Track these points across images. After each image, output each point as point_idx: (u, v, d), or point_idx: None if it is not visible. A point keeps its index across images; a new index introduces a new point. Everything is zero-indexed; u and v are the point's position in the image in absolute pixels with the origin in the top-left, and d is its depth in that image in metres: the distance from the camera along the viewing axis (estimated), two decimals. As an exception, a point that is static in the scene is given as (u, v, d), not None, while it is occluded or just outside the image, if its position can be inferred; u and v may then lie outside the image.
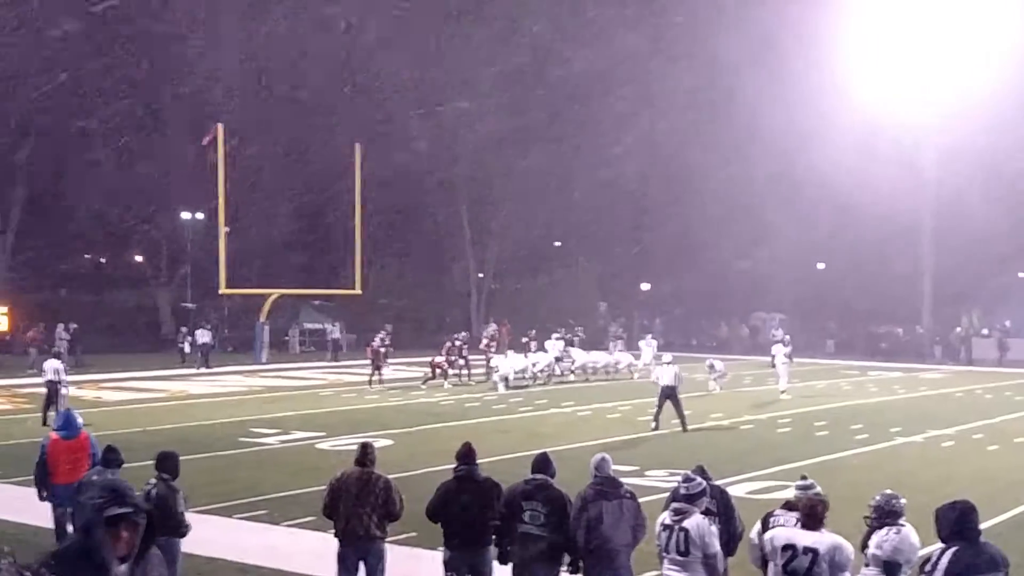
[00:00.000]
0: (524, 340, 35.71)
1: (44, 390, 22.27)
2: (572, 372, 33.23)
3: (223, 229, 37.34)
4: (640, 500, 8.42)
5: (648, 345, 36.76)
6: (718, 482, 8.69)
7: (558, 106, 51.03)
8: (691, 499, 7.52)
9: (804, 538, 6.88)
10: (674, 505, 7.52)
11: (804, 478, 7.98)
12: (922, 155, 47.76)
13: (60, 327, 37.05)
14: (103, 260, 55.42)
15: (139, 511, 4.24)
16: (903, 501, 7.30)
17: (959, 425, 22.30)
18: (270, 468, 16.80)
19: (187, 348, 38.75)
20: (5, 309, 41.05)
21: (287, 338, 46.63)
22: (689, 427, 21.05)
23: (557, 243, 58.74)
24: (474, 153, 50.82)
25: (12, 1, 39.30)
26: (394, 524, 8.99)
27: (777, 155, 48.41)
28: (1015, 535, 12.05)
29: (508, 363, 30.65)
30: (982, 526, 6.61)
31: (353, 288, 41.68)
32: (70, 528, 10.58)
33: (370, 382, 30.12)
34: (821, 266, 54.71)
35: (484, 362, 33.12)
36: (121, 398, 27.36)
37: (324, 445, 19.02)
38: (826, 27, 44.77)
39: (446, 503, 8.49)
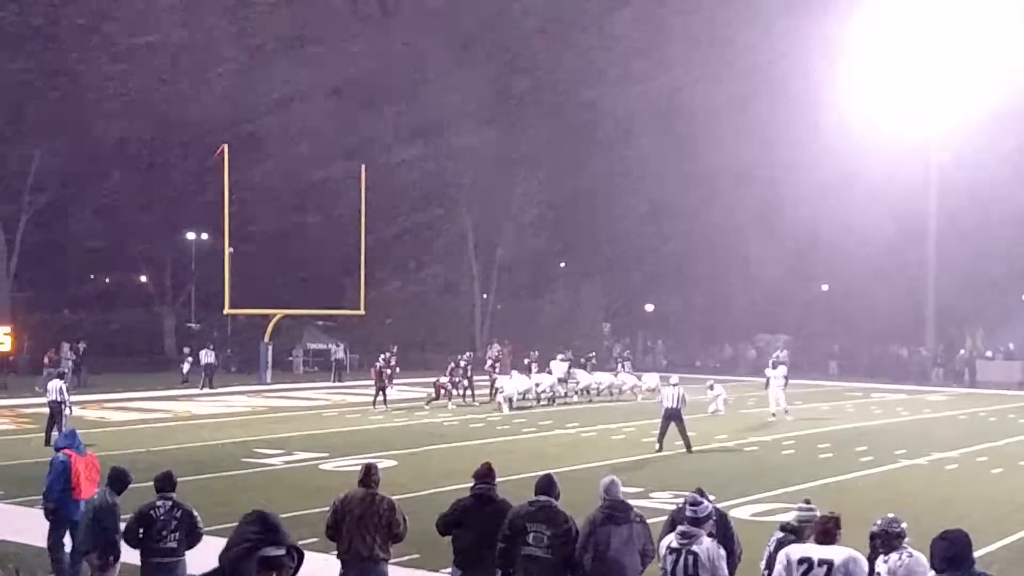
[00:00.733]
0: (526, 361, 35.69)
1: (47, 410, 22.24)
2: (576, 393, 33.19)
3: (228, 249, 37.45)
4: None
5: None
6: (721, 504, 8.68)
7: (562, 129, 51.15)
8: (699, 522, 7.47)
9: (819, 551, 6.89)
10: (681, 528, 7.49)
11: (807, 502, 7.96)
12: (925, 175, 47.82)
13: (65, 347, 37.09)
14: (108, 280, 55.51)
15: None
16: (904, 525, 7.29)
17: (963, 448, 22.26)
18: (274, 489, 16.77)
19: (186, 368, 38.74)
20: (8, 329, 41.07)
21: (291, 358, 46.63)
22: (694, 449, 21.03)
23: (562, 264, 58.79)
24: (479, 174, 50.96)
25: (14, 20, 39.54)
26: (397, 545, 8.98)
27: (780, 176, 48.49)
28: (1020, 558, 12.02)
29: (512, 384, 30.63)
30: (986, 550, 6.62)
31: (357, 309, 41.72)
32: (67, 542, 10.65)
33: (374, 403, 30.10)
34: (825, 287, 54.70)
35: (488, 383, 33.09)
36: (125, 418, 27.35)
37: (328, 466, 19.00)
38: (827, 46, 44.97)
39: (461, 521, 8.46)
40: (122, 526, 9.28)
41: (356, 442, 22.40)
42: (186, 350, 40.30)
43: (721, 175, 50.12)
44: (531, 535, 8.10)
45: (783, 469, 19.23)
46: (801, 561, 6.89)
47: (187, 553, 8.93)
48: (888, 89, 45.01)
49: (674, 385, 21.58)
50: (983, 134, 43.71)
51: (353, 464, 17.96)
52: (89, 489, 10.84)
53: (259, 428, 25.16)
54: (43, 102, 41.14)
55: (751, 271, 51.79)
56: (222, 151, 36.47)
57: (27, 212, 44.26)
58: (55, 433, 21.51)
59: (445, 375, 31.68)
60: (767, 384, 28.96)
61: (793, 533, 7.57)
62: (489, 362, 34.90)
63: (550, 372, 33.41)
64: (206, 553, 9.48)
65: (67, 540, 10.84)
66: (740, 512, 13.87)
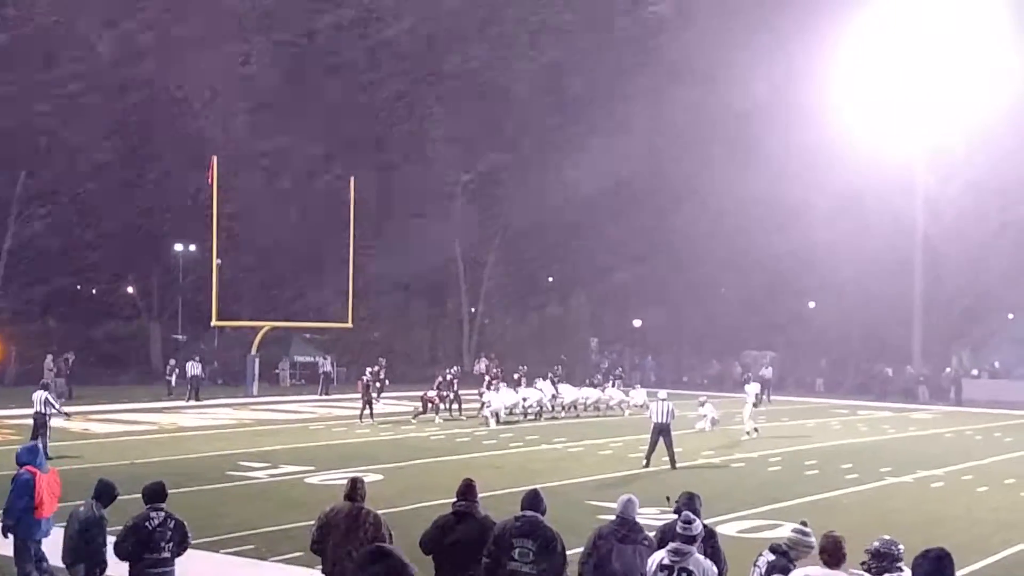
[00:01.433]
0: (516, 376, 35.67)
1: (31, 422, 22.11)
2: (563, 408, 33.14)
3: (216, 261, 37.37)
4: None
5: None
6: (707, 521, 8.65)
7: (549, 143, 51.26)
8: (691, 540, 7.43)
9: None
10: (673, 545, 7.44)
11: (804, 524, 7.87)
12: (912, 195, 48.07)
13: (49, 358, 36.93)
14: (94, 291, 55.27)
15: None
16: (902, 547, 7.22)
17: (949, 466, 22.30)
18: (259, 502, 16.71)
19: (173, 381, 38.61)
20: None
21: (278, 371, 46.49)
22: (680, 464, 21.03)
23: (550, 278, 58.83)
24: (468, 187, 51.06)
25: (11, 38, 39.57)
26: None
27: (767, 194, 48.63)
28: (1005, 577, 12.04)
29: (499, 398, 30.59)
30: (971, 568, 6.61)
31: (345, 321, 41.66)
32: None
33: (361, 416, 30.02)
34: (812, 304, 54.85)
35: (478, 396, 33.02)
36: (110, 430, 27.21)
37: (314, 479, 18.92)
38: (816, 64, 45.24)
39: (442, 538, 8.42)
40: (110, 539, 9.23)
41: (342, 455, 22.32)
42: (172, 362, 40.15)
43: (709, 192, 50.26)
44: (517, 551, 8.06)
45: (769, 486, 19.25)
46: None
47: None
48: (874, 109, 45.25)
49: (663, 400, 21.61)
50: (969, 154, 43.98)
51: (339, 478, 17.90)
52: (51, 506, 10.75)
53: (245, 441, 25.06)
54: (29, 114, 41.05)
55: (739, 287, 51.91)
56: (212, 163, 36.41)
57: (14, 223, 44.12)
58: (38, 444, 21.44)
59: (432, 389, 31.64)
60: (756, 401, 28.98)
61: (784, 556, 7.51)
62: (487, 379, 34.56)
63: (537, 387, 33.36)
64: (186, 565, 9.46)
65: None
66: (726, 529, 13.87)
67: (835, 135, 44.89)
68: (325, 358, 43.64)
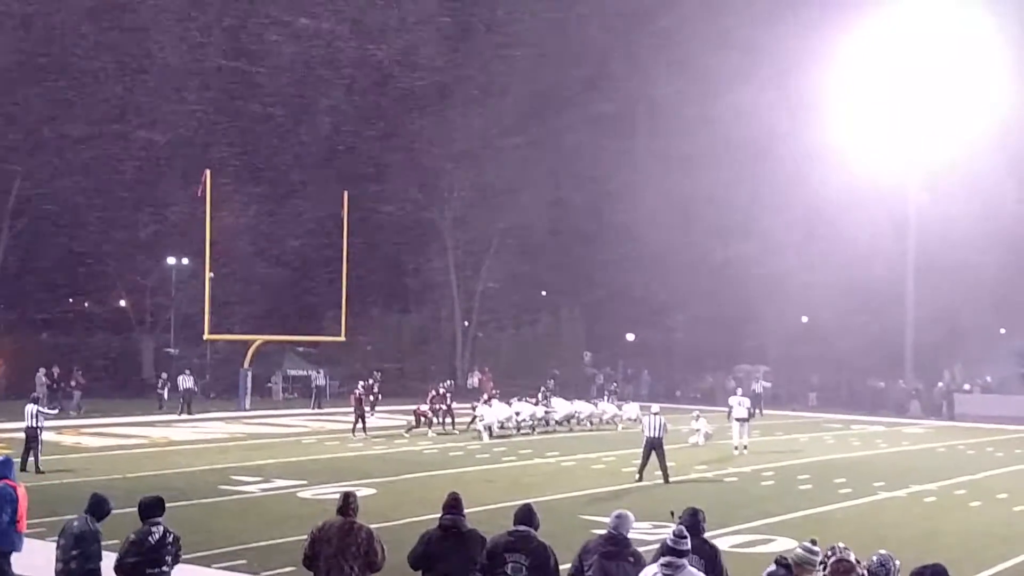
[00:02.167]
0: (542, 389, 35.78)
1: (23, 435, 22.02)
2: (557, 423, 33.08)
3: (208, 274, 37.33)
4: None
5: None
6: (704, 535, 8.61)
7: (546, 157, 51.36)
8: (682, 555, 7.41)
9: None
10: (665, 559, 7.41)
11: (813, 543, 7.81)
12: (904, 210, 48.24)
13: (41, 371, 36.84)
14: (87, 304, 55.15)
15: None
16: (898, 562, 7.19)
17: (942, 480, 22.31)
18: (251, 516, 16.66)
19: (166, 394, 38.50)
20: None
21: (270, 385, 46.36)
22: (673, 479, 21.02)
23: (543, 292, 58.83)
24: (461, 201, 51.10)
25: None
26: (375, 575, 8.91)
27: (761, 209, 48.80)
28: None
29: (492, 412, 30.55)
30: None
31: (338, 335, 41.59)
32: None
33: (353, 430, 29.96)
34: (805, 319, 54.92)
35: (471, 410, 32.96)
36: (102, 444, 27.11)
37: (306, 494, 18.87)
38: (810, 80, 45.45)
39: (429, 553, 8.40)
40: (103, 553, 9.19)
41: (335, 470, 22.26)
42: (164, 376, 40.05)
43: (702, 208, 50.39)
44: (509, 565, 8.05)
45: (763, 500, 19.24)
46: None
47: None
48: (867, 126, 45.45)
49: (655, 414, 21.61)
50: (961, 170, 44.16)
51: (331, 492, 17.85)
52: (23, 522, 10.77)
53: (237, 455, 24.99)
54: (22, 126, 41.07)
55: (731, 302, 51.93)
56: (205, 177, 36.40)
57: (6, 236, 44.05)
58: (31, 459, 21.37)
59: (426, 403, 31.59)
60: (728, 414, 28.39)
61: (786, 568, 7.45)
62: (485, 396, 34.41)
63: (530, 400, 33.32)
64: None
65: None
66: (719, 543, 13.81)
67: (829, 151, 45.07)
68: (318, 372, 43.54)
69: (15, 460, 12.04)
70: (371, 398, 32.71)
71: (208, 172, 36.42)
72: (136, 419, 34.06)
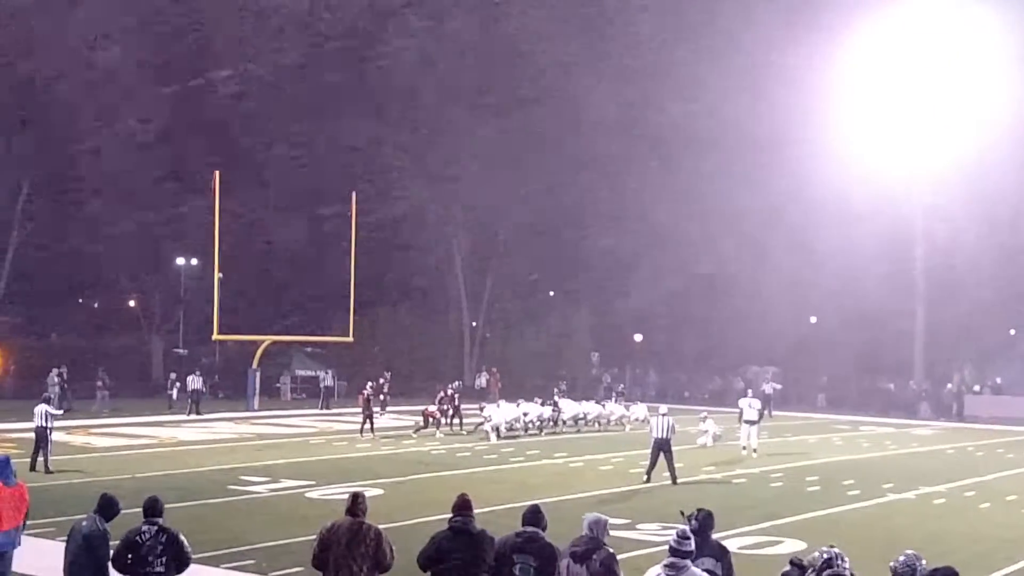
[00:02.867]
0: (556, 391, 35.84)
1: (33, 435, 22.08)
2: (564, 423, 33.07)
3: (217, 275, 37.40)
4: (631, 554, 8.33)
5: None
6: (713, 536, 8.59)
7: (555, 159, 51.34)
8: (685, 556, 7.41)
9: None
10: (668, 560, 7.41)
11: (832, 547, 7.79)
12: (913, 211, 48.13)
13: (53, 372, 36.97)
14: (96, 305, 55.35)
15: None
16: (924, 562, 7.11)
17: (951, 482, 22.23)
18: (259, 517, 16.68)
19: (175, 394, 38.57)
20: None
21: (279, 385, 46.45)
22: (681, 480, 20.99)
23: (551, 292, 58.82)
24: (470, 202, 51.11)
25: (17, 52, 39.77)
26: (384, 576, 8.92)
27: (770, 211, 48.73)
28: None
29: (500, 413, 30.54)
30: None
31: (346, 336, 41.64)
32: None
33: (361, 431, 29.99)
34: (814, 320, 54.83)
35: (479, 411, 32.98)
36: (110, 444, 27.18)
37: (314, 494, 18.89)
38: (816, 82, 45.35)
39: (439, 554, 8.40)
40: (111, 553, 9.21)
41: (343, 470, 22.29)
42: (173, 376, 40.16)
43: (712, 210, 50.34)
44: (518, 566, 8.05)
45: (771, 502, 19.20)
46: None
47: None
48: (877, 129, 45.36)
49: (663, 415, 21.57)
50: (969, 171, 44.04)
51: (340, 492, 17.88)
52: (12, 519, 10.75)
53: (245, 455, 25.02)
54: (32, 128, 41.21)
55: (741, 304, 51.88)
56: (214, 178, 36.48)
57: (16, 237, 44.20)
58: (40, 459, 21.44)
59: (434, 403, 31.62)
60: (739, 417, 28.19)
61: (800, 569, 7.43)
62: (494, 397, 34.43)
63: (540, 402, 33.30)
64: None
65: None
66: (728, 545, 13.81)
67: (836, 153, 44.97)
68: (326, 372, 43.60)
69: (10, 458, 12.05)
70: (381, 398, 32.77)
71: (217, 173, 36.51)
72: (145, 419, 34.14)
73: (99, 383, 37.98)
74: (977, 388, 47.80)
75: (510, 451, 26.67)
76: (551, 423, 32.47)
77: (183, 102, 44.15)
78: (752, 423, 26.79)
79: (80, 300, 54.62)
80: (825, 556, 7.18)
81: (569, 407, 34.04)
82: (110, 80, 42.38)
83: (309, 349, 49.61)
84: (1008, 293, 47.23)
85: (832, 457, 27.20)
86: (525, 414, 31.69)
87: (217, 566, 12.83)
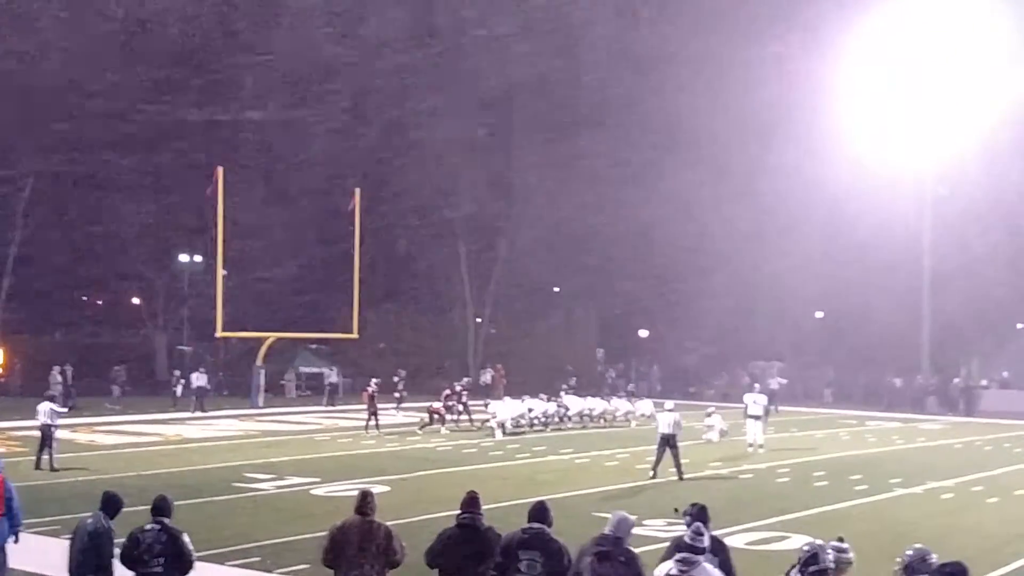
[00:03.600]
0: (564, 388, 35.91)
1: (38, 433, 22.07)
2: (569, 419, 33.00)
3: (221, 272, 37.38)
4: (637, 550, 8.24)
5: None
6: (715, 532, 8.55)
7: (558, 152, 51.23)
8: (698, 551, 7.34)
9: None
10: (681, 555, 7.32)
11: (841, 540, 7.73)
12: (920, 205, 47.97)
13: (55, 369, 36.99)
14: (100, 302, 55.38)
15: None
16: (935, 557, 7.04)
17: (958, 477, 22.16)
18: (264, 514, 16.65)
19: (179, 391, 38.62)
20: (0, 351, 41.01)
21: (283, 382, 46.45)
22: (688, 476, 20.93)
23: (556, 288, 58.75)
24: (474, 197, 51.04)
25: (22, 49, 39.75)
26: (393, 572, 8.87)
27: (776, 204, 48.58)
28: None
29: (505, 409, 30.51)
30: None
31: (351, 332, 41.60)
32: None
33: (366, 427, 29.98)
34: (820, 315, 54.73)
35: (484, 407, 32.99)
36: (115, 441, 27.18)
37: (319, 491, 18.86)
38: (823, 74, 45.21)
39: (447, 550, 8.38)
40: (117, 550, 9.20)
41: (348, 467, 22.27)
42: (177, 373, 40.17)
43: (717, 204, 50.20)
44: (524, 563, 8.01)
45: (778, 497, 19.14)
46: None
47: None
48: (884, 121, 45.17)
49: (669, 411, 21.51)
50: (977, 164, 43.89)
51: (345, 489, 17.86)
52: None
53: (250, 452, 25.01)
54: (35, 125, 41.20)
55: (747, 299, 51.79)
56: (217, 174, 36.43)
57: (19, 234, 44.22)
58: (44, 456, 21.42)
59: (439, 400, 31.60)
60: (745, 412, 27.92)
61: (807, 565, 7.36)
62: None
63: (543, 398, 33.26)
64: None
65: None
66: (734, 540, 13.75)
67: (843, 146, 44.84)
68: (331, 369, 43.58)
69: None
70: (396, 395, 32.90)
71: (220, 169, 36.46)
72: (150, 416, 34.15)
73: (114, 380, 38.83)
74: (984, 382, 47.68)
75: (516, 447, 26.63)
76: (556, 419, 32.43)
77: (188, 96, 44.18)
78: (758, 419, 26.72)
79: (84, 298, 54.65)
80: (808, 552, 7.15)
81: (574, 403, 34.00)
82: (115, 75, 42.39)
83: (314, 346, 49.59)
84: (1015, 287, 47.06)
85: (839, 452, 27.13)
86: (530, 410, 31.65)
87: (223, 563, 12.80)
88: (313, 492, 18.78)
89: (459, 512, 8.55)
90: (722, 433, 28.79)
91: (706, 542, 7.38)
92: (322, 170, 47.28)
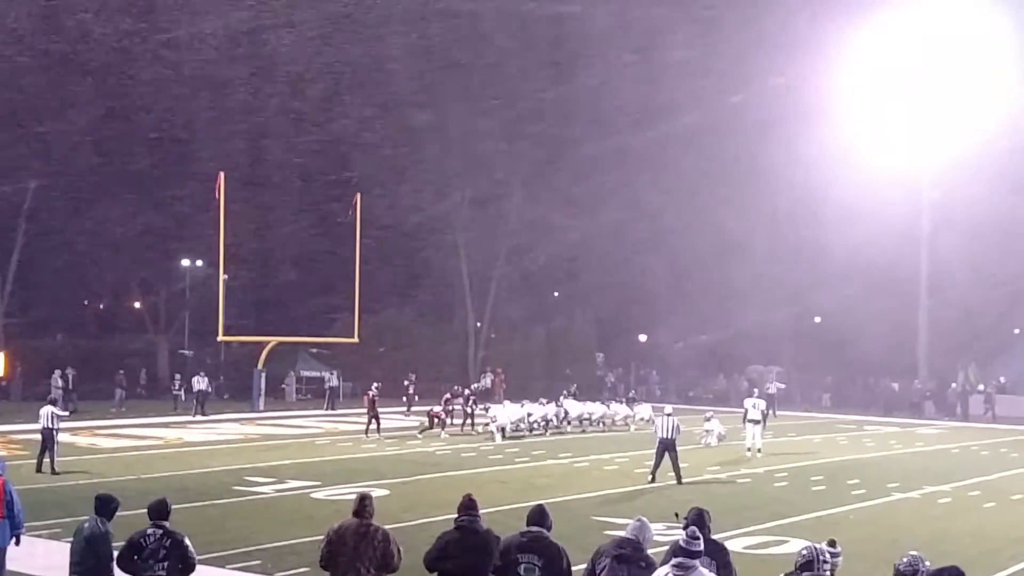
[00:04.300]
0: (565, 392, 36.00)
1: (40, 437, 22.13)
2: (568, 423, 33.07)
3: (223, 276, 37.45)
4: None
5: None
6: (715, 536, 8.63)
7: (557, 157, 51.32)
8: (694, 556, 7.42)
9: None
10: (677, 560, 7.40)
11: (833, 544, 7.82)
12: (917, 210, 48.06)
13: (56, 373, 37.06)
14: (101, 306, 55.43)
15: None
16: (928, 563, 7.12)
17: (956, 481, 22.22)
18: (265, 517, 16.72)
19: (182, 396, 38.67)
20: (1, 355, 40.99)
21: (284, 386, 46.49)
22: (686, 480, 21.00)
23: (555, 293, 58.79)
24: (473, 201, 51.12)
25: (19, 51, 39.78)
26: (390, 576, 8.95)
27: (773, 210, 48.70)
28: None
29: (505, 413, 30.58)
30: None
31: (351, 336, 41.65)
32: None
33: (367, 431, 30.04)
34: (818, 320, 54.79)
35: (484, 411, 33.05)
36: (116, 445, 27.25)
37: (320, 494, 18.93)
38: (822, 78, 45.30)
39: (445, 554, 8.43)
40: (115, 553, 9.26)
41: (348, 471, 22.32)
42: (178, 377, 40.24)
43: (714, 208, 50.30)
44: (523, 566, 8.07)
45: (776, 501, 19.21)
46: None
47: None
48: (880, 125, 45.28)
49: (668, 415, 21.58)
50: (974, 170, 43.97)
51: (345, 493, 17.93)
52: None
53: (251, 456, 25.07)
54: (38, 129, 41.27)
55: (745, 303, 51.83)
56: (219, 179, 36.51)
57: (22, 238, 44.26)
58: (46, 459, 21.49)
59: (439, 404, 31.66)
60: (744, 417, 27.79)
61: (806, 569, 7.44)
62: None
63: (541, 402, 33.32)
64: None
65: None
66: (733, 545, 13.79)
67: (840, 150, 44.93)
68: (331, 373, 43.64)
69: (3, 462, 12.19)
70: (404, 399, 32.91)
71: (223, 174, 36.54)
72: (151, 420, 34.23)
73: (118, 384, 38.90)
74: (982, 387, 47.71)
75: (515, 451, 26.70)
76: (556, 423, 32.48)
77: (190, 101, 44.25)
78: (757, 423, 26.79)
79: (86, 302, 54.70)
80: (805, 557, 7.20)
81: (574, 407, 34.06)
82: (118, 79, 42.46)
83: (314, 350, 49.62)
84: (1012, 292, 47.12)
85: (837, 456, 27.18)
86: (530, 415, 31.72)
87: (223, 567, 12.87)
88: (313, 496, 18.85)
89: (457, 515, 8.62)
90: (720, 437, 28.86)
91: (701, 545, 7.45)
92: (323, 175, 47.36)
